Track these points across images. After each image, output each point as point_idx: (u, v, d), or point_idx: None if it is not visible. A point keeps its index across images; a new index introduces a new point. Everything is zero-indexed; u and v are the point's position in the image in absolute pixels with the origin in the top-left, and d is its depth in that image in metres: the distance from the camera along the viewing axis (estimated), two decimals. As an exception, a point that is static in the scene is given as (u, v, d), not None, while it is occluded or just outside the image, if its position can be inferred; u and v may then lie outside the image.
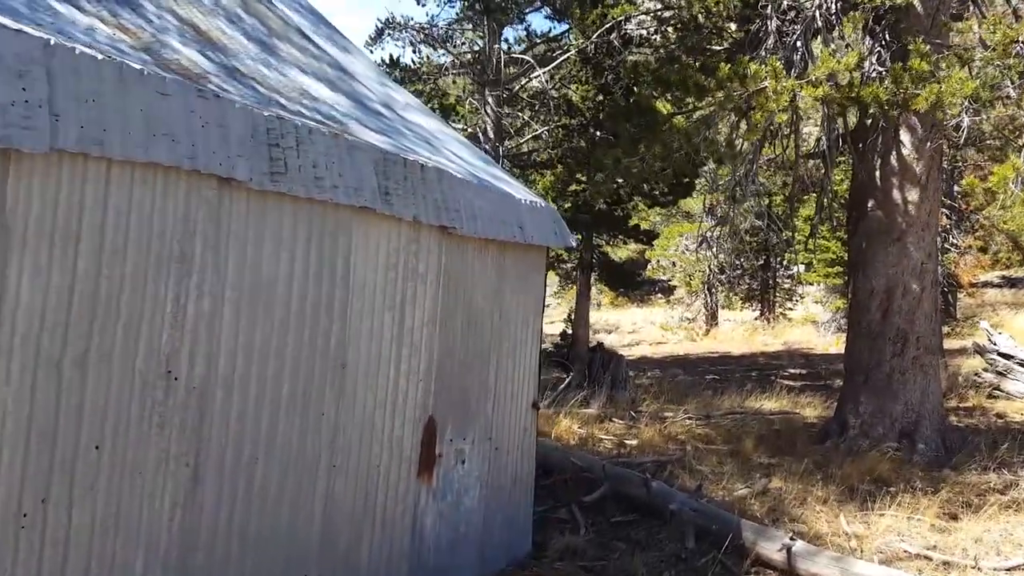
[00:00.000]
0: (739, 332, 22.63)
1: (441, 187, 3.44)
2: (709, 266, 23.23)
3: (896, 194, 7.05)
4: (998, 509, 5.08)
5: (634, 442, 7.56)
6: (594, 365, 10.63)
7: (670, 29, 7.96)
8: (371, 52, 13.65)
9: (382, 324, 3.10)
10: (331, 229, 2.71)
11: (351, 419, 3.00)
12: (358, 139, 2.81)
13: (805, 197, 16.54)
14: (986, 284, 26.98)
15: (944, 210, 13.43)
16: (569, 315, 13.68)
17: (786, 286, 24.47)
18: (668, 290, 28.30)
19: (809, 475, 6.15)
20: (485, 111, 12.60)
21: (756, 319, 23.26)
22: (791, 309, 23.34)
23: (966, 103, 5.66)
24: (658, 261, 26.47)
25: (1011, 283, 28.69)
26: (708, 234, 19.22)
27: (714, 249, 23.26)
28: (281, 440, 2.70)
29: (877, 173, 7.16)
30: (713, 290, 23.75)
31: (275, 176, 2.33)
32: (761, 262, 24.06)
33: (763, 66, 5.27)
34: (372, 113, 3.79)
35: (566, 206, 12.44)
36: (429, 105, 13.32)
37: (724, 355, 18.91)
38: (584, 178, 11.79)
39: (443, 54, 14.03)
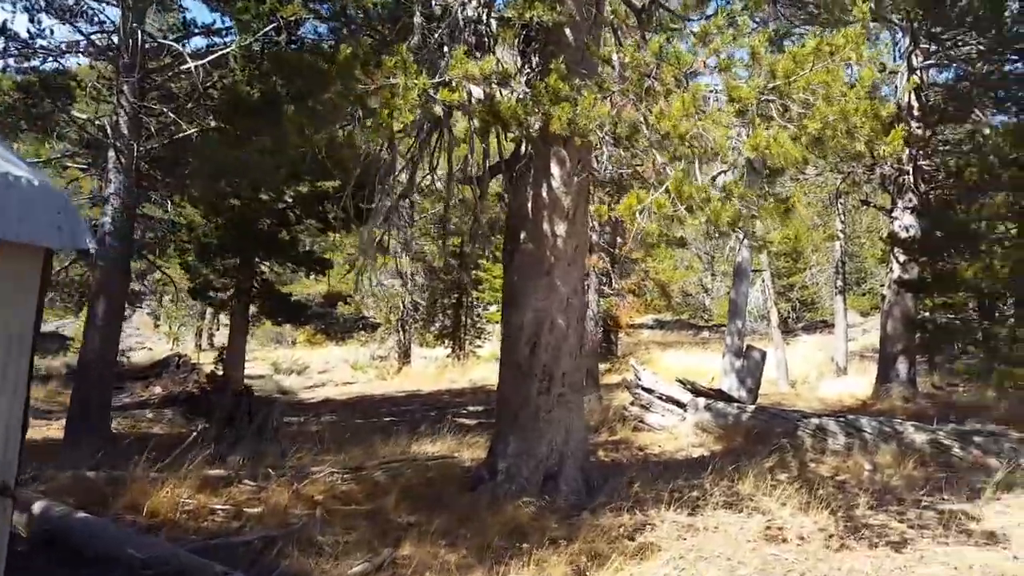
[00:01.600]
0: (431, 370, 22.46)
1: None
2: (403, 302, 22.79)
3: (546, 227, 6.86)
4: (623, 560, 4.76)
5: (257, 510, 6.12)
6: (239, 413, 8.96)
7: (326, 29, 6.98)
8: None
9: None
10: None
11: None
12: None
13: (493, 236, 16.91)
14: (642, 326, 31.04)
15: (603, 255, 14.52)
16: (220, 354, 11.68)
17: (478, 324, 25.09)
18: (374, 327, 27.30)
19: (447, 534, 5.39)
20: (120, 102, 10.29)
21: (448, 356, 23.33)
22: (480, 347, 23.88)
23: (604, 134, 5.55)
24: (363, 297, 25.41)
25: (661, 325, 33.54)
26: (403, 270, 18.70)
27: (408, 285, 22.94)
28: None
29: (530, 205, 6.94)
30: (407, 327, 23.33)
31: None
32: (454, 299, 24.38)
33: (393, 57, 4.50)
34: None
35: (219, 222, 10.64)
36: (44, 84, 10.58)
37: (412, 394, 18.38)
38: (239, 192, 10.17)
39: (72, 29, 11.33)
